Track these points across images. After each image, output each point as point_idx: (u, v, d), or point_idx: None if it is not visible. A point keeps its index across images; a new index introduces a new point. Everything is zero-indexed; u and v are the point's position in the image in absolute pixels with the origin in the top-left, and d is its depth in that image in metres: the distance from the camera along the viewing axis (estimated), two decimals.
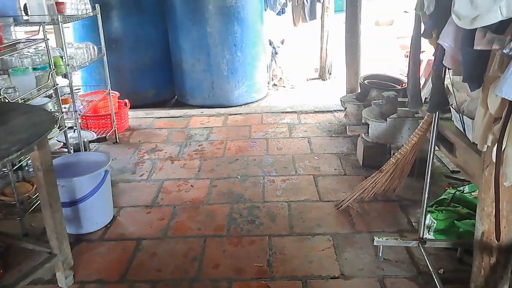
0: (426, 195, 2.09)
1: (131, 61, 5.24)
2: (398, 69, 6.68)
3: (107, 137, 3.63)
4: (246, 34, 5.07)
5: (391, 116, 3.11)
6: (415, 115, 3.10)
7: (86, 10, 3.42)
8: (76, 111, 3.15)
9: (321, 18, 6.03)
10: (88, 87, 5.10)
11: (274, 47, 5.91)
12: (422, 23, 1.86)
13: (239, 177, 3.17)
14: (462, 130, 2.17)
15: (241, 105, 5.31)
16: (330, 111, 4.59)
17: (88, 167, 2.62)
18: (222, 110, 4.79)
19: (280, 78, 6.38)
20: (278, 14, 6.14)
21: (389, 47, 9.04)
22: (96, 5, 3.57)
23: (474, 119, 2.05)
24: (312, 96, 5.70)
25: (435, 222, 2.30)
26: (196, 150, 3.71)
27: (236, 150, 3.66)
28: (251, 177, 3.16)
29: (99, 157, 2.69)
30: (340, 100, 4.03)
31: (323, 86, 6.19)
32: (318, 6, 5.99)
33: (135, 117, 4.69)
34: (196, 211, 2.75)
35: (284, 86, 6.18)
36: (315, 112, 4.59)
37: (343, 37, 4.52)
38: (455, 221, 2.27)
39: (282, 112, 4.62)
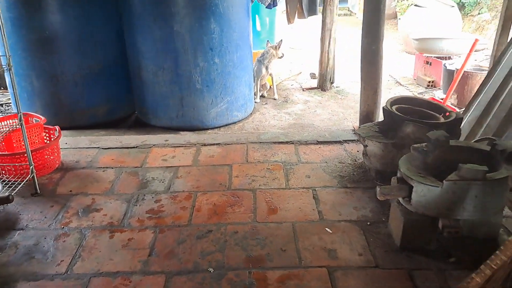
0: None
1: (74, 67, 4.12)
2: (415, 77, 5.67)
3: (12, 195, 2.48)
4: (227, 34, 3.98)
5: (449, 178, 2.07)
6: (488, 175, 2.06)
7: None
8: None
9: (323, 14, 4.97)
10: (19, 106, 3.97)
11: (268, 50, 4.83)
12: None
13: (212, 270, 2.10)
14: None
15: (219, 127, 4.24)
16: (339, 142, 3.53)
17: None
18: (194, 138, 3.70)
19: (270, 87, 5.31)
20: (268, 7, 5.07)
21: (392, 45, 8.07)
22: None
23: None
24: (312, 113, 4.65)
25: None
26: (151, 210, 2.62)
27: (210, 212, 2.57)
28: (230, 271, 2.09)
29: None
30: (357, 133, 3.00)
31: (324, 98, 5.15)
32: None
33: (75, 147, 3.56)
34: None
35: (274, 98, 5.13)
36: (319, 143, 3.53)
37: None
38: None
39: (274, 143, 3.55)
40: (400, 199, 2.29)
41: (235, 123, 4.35)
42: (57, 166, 3.18)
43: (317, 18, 5.40)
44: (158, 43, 3.89)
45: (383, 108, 3.03)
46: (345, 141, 3.56)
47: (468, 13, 10.08)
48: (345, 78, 5.98)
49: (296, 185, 2.88)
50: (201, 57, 3.91)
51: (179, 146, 3.55)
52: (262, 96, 5.22)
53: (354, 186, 2.86)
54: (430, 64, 5.25)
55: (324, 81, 5.27)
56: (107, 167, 3.20)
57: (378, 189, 2.25)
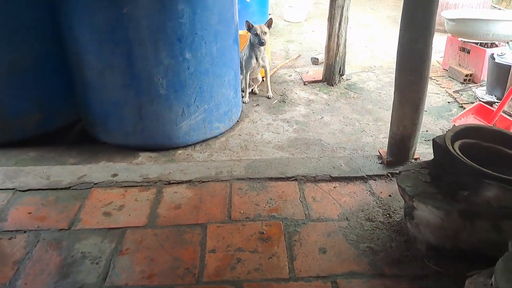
0: None
1: None
2: (445, 67, 4.60)
3: None
4: (202, 17, 2.88)
5: None
6: None
7: None
8: None
9: None
10: None
11: (257, 34, 3.72)
12: None
13: None
14: None
15: (194, 144, 3.21)
16: (362, 178, 2.54)
17: None
18: (154, 170, 2.66)
19: (263, 80, 4.25)
20: None
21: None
22: None
23: None
24: (318, 121, 3.61)
25: None
26: None
27: None
28: None
29: None
30: (400, 187, 1.99)
31: (332, 97, 4.10)
32: None
33: None
34: None
35: (268, 97, 4.07)
36: (333, 179, 2.53)
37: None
38: None
39: (269, 179, 2.54)
40: None
41: (216, 137, 3.31)
42: None
43: None
44: (102, 32, 2.78)
45: (435, 142, 2.03)
46: (370, 176, 2.56)
47: None
48: (354, 64, 4.92)
49: (305, 270, 1.89)
50: (166, 52, 2.82)
51: (132, 186, 2.52)
52: (252, 93, 4.16)
53: (395, 273, 1.87)
54: (468, 52, 4.19)
55: (331, 74, 4.20)
56: (18, 230, 2.17)
57: None
